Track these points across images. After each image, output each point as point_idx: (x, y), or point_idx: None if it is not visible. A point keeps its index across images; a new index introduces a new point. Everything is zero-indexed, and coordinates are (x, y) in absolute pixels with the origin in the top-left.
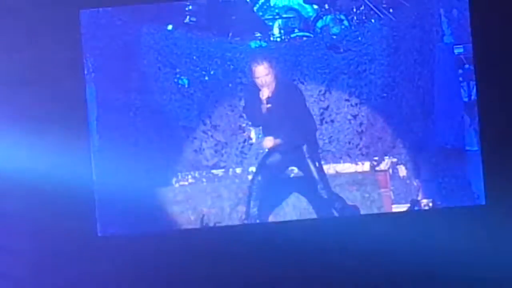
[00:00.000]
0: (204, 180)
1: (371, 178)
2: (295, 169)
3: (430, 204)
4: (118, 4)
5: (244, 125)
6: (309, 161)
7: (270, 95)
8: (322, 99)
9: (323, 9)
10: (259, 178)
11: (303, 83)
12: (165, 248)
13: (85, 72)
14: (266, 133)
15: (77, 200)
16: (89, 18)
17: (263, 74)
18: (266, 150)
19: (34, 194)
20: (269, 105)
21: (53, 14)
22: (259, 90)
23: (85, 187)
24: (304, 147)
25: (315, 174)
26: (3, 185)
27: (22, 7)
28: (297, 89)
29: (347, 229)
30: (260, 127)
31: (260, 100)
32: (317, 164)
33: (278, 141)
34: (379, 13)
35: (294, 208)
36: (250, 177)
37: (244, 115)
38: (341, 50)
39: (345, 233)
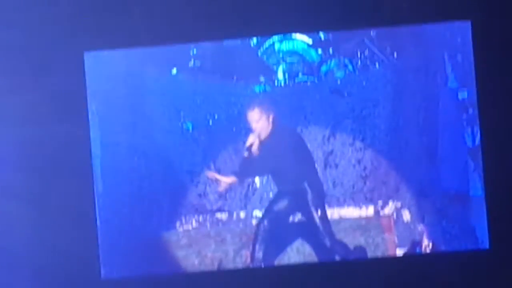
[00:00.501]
0: (208, 224)
1: (375, 223)
2: (299, 215)
3: (430, 245)
4: (123, 46)
5: None
6: (312, 208)
7: (262, 140)
8: (326, 143)
9: (327, 54)
10: (265, 223)
11: (307, 127)
12: None
13: (89, 116)
14: (271, 176)
15: (81, 243)
16: (93, 61)
17: (254, 120)
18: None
19: (38, 237)
20: (255, 151)
21: (57, 56)
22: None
23: (89, 231)
24: (308, 194)
25: (317, 221)
26: (5, 226)
27: (25, 48)
28: (295, 134)
29: (350, 273)
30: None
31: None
32: (319, 211)
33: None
34: (383, 57)
35: (298, 253)
36: (254, 221)
37: None
38: (345, 95)
39: (349, 277)
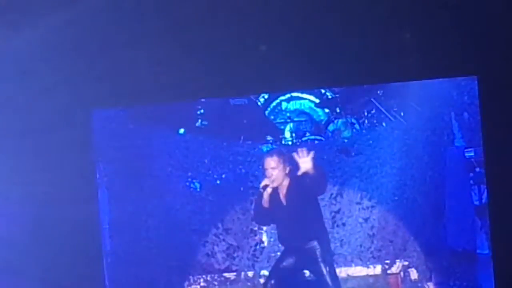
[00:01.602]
0: (216, 283)
1: (382, 282)
2: (308, 273)
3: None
4: (130, 104)
5: (256, 228)
6: (322, 265)
7: (275, 187)
8: (334, 202)
9: (334, 113)
10: (272, 282)
11: None
12: None
13: (97, 176)
14: (279, 230)
15: None
16: (101, 122)
17: (270, 167)
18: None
19: None
20: (266, 197)
21: (64, 114)
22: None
23: None
24: (317, 251)
25: (327, 278)
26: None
27: (32, 106)
28: (312, 190)
29: None
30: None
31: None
32: (328, 268)
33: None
34: (390, 116)
35: None
36: (262, 280)
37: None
38: (353, 154)
39: None
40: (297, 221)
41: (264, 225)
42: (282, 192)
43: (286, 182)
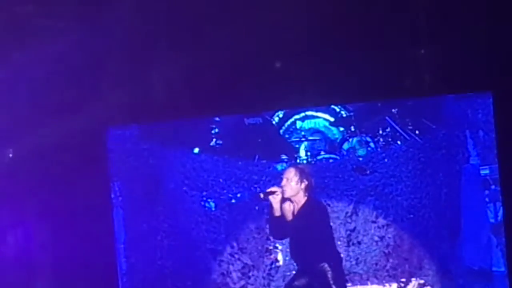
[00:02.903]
0: None
1: None
2: None
3: None
4: (145, 121)
5: (271, 247)
6: (334, 287)
7: (285, 197)
8: (349, 221)
9: (349, 131)
10: None
11: (329, 205)
12: None
13: (113, 195)
14: (291, 247)
15: None
16: (116, 141)
17: (286, 177)
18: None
19: None
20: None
21: (80, 135)
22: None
23: None
24: (329, 273)
25: None
26: None
27: (46, 124)
28: (325, 209)
29: None
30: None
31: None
32: None
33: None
34: (405, 135)
35: None
36: None
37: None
38: (368, 172)
39: None
40: (309, 240)
41: (280, 239)
42: (297, 207)
43: (303, 199)
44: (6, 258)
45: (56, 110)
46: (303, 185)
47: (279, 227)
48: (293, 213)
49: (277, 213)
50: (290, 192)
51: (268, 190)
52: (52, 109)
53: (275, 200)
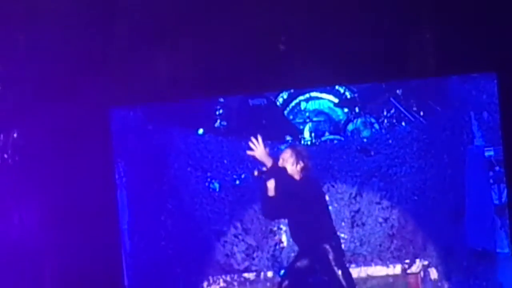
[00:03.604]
0: (235, 283)
1: (402, 281)
2: (321, 275)
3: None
4: (148, 102)
5: (275, 229)
6: (335, 268)
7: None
8: (353, 202)
9: (353, 113)
10: (287, 282)
11: (333, 186)
12: None
13: (116, 176)
14: (291, 228)
15: None
16: (120, 122)
17: (282, 157)
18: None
19: None
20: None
21: (83, 115)
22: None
23: None
24: (330, 254)
25: (342, 281)
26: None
27: (49, 104)
28: (321, 191)
29: None
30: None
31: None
32: (342, 271)
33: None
34: (409, 116)
35: None
36: None
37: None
38: (372, 153)
39: None
40: (307, 222)
41: (271, 219)
42: (293, 189)
43: (297, 178)
44: (8, 236)
45: (59, 91)
46: (298, 167)
47: (272, 206)
48: (288, 193)
49: (271, 193)
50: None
51: (264, 168)
52: (55, 90)
53: (271, 181)
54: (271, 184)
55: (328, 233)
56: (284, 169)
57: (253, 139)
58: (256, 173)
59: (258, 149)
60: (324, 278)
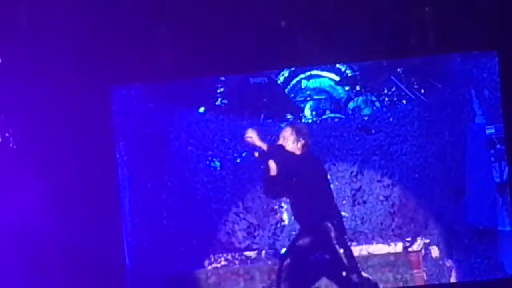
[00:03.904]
0: (236, 262)
1: (403, 259)
2: (323, 253)
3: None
4: (149, 80)
5: (276, 207)
6: (336, 246)
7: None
8: (354, 180)
9: (354, 91)
10: (288, 260)
11: (335, 164)
12: None
13: (117, 155)
14: (292, 207)
15: (110, 284)
16: (121, 101)
17: (282, 136)
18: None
19: (68, 274)
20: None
21: (84, 94)
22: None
23: (118, 270)
24: (331, 232)
25: (343, 259)
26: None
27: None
28: (322, 168)
29: None
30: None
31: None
32: (343, 249)
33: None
34: (410, 94)
35: None
36: None
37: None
38: (373, 131)
39: None
40: (308, 199)
41: (274, 198)
42: (295, 167)
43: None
44: (10, 216)
45: (60, 70)
46: (299, 144)
47: (274, 185)
48: (289, 171)
49: (273, 172)
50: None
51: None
52: (56, 69)
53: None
54: (272, 163)
55: (329, 211)
56: (283, 147)
57: (248, 132)
58: (256, 154)
59: (253, 138)
60: (326, 256)
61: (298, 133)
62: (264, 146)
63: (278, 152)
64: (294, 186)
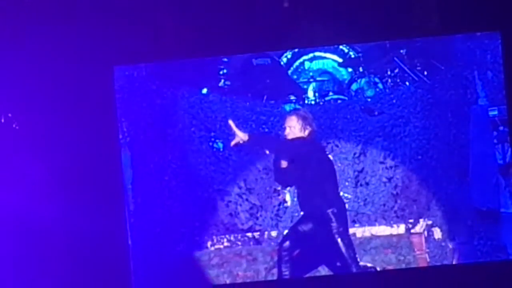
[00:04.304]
0: (239, 243)
1: (406, 241)
2: (324, 241)
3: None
4: (152, 60)
5: (279, 188)
6: (336, 236)
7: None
8: (357, 161)
9: (357, 72)
10: (288, 243)
11: (337, 146)
12: None
13: (120, 136)
14: (298, 193)
15: (112, 265)
16: (123, 81)
17: (288, 125)
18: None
19: (71, 254)
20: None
21: (87, 74)
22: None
23: (121, 250)
24: (332, 221)
25: (342, 249)
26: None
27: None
28: (327, 157)
29: (381, 283)
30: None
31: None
32: (342, 239)
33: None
34: (413, 76)
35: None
36: None
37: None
38: (376, 113)
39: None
40: (313, 187)
41: (285, 186)
42: (300, 155)
43: (301, 138)
44: (12, 195)
45: (63, 50)
46: (306, 132)
47: (287, 176)
48: (299, 161)
49: (284, 165)
50: (291, 136)
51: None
52: (59, 49)
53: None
54: (284, 162)
55: (332, 200)
56: (290, 141)
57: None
58: (268, 152)
59: (236, 132)
60: (325, 243)
61: (304, 121)
62: (245, 137)
63: (287, 147)
64: (302, 173)
